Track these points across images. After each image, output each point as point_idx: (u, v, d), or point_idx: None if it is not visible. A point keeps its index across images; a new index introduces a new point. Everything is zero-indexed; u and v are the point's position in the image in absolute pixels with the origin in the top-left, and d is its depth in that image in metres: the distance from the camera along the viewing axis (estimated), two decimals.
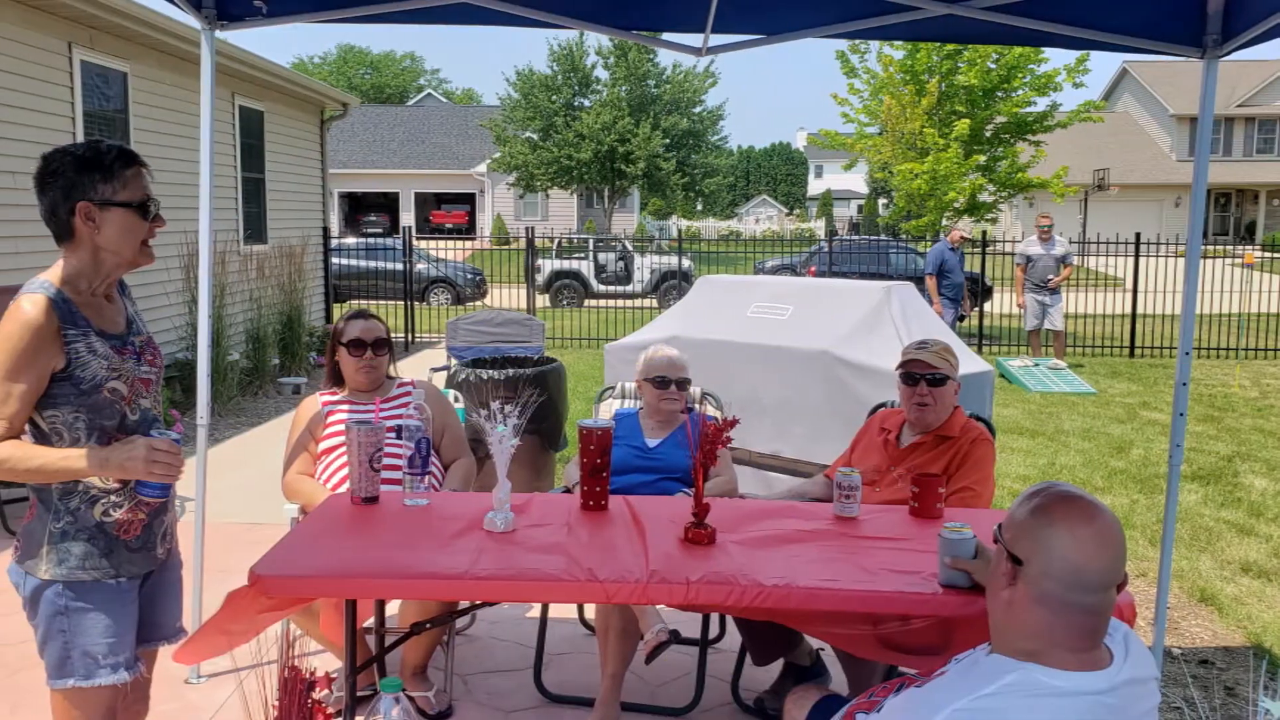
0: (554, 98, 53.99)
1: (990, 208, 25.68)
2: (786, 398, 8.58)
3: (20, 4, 11.38)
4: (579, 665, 6.11)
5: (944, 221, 24.94)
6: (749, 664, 5.67)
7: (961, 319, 19.10)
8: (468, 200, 64.71)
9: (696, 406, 6.64)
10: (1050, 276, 17.71)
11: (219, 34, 6.09)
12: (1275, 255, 44.02)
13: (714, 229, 69.30)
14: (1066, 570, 2.64)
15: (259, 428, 13.00)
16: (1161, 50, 5.88)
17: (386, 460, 5.03)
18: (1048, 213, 19.58)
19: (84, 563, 3.49)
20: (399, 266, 24.51)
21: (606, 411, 6.88)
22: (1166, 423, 13.44)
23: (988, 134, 25.36)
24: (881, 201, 74.91)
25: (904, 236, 28.80)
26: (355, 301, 26.10)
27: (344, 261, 26.92)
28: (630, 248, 33.03)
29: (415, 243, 24.27)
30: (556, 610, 6.25)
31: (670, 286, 29.88)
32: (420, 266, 29.14)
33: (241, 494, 9.59)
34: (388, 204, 64.89)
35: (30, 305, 3.35)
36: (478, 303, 30.30)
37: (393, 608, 5.85)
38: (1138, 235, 21.23)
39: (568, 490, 5.90)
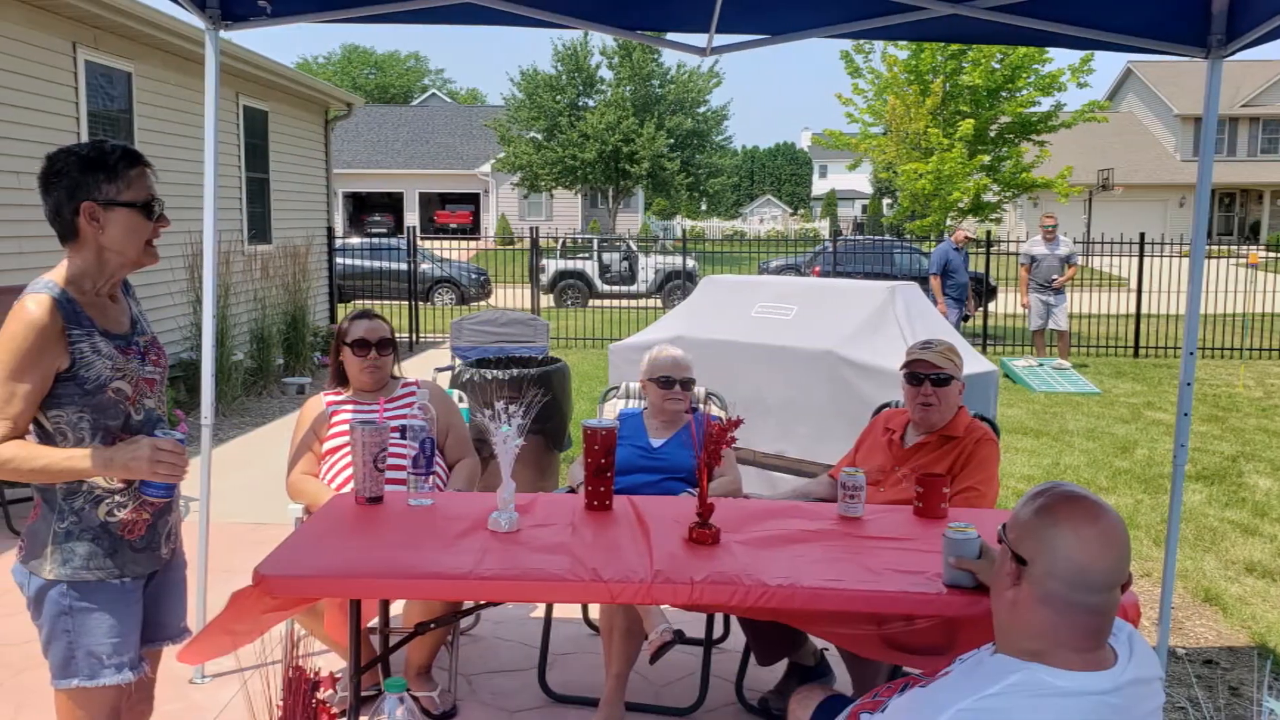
0: (558, 98, 53.98)
1: (994, 208, 25.68)
2: (791, 398, 8.58)
3: (25, 4, 11.39)
4: (583, 665, 6.11)
5: (948, 221, 24.95)
6: (753, 664, 5.66)
7: (966, 319, 19.09)
8: (472, 200, 64.75)
9: (701, 406, 6.64)
10: (1055, 276, 17.69)
11: (223, 34, 6.09)
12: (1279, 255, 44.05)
13: (718, 229, 69.35)
14: (1071, 570, 2.63)
15: (263, 428, 13.00)
16: (1166, 50, 5.88)
17: (391, 460, 5.04)
18: (1052, 213, 19.55)
19: (88, 563, 3.49)
20: (403, 266, 24.49)
21: (611, 411, 6.88)
22: (1171, 423, 13.43)
23: (992, 134, 25.38)
24: (886, 201, 74.93)
25: (908, 236, 28.79)
26: (360, 301, 26.11)
27: (348, 261, 26.94)
28: (634, 248, 33.01)
29: (420, 243, 24.27)
30: (561, 610, 6.25)
31: (675, 286, 29.85)
32: (425, 266, 29.15)
33: (246, 494, 9.59)
34: (392, 204, 64.92)
35: (35, 305, 3.35)
36: (482, 303, 30.29)
37: (397, 608, 5.85)
38: (1142, 235, 21.23)
39: (572, 490, 5.89)
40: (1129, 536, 2.73)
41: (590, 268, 32.19)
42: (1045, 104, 25.42)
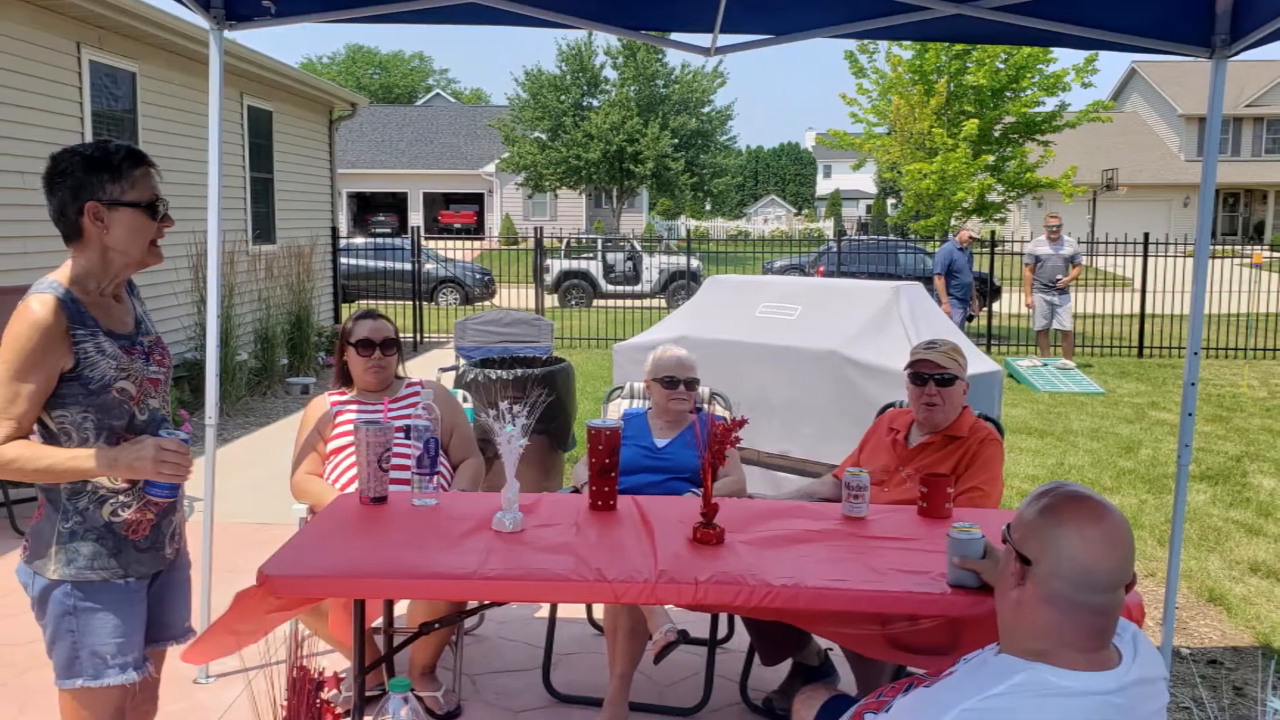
0: (562, 98, 54.02)
1: (999, 208, 25.68)
2: (795, 398, 8.58)
3: (29, 4, 11.40)
4: (587, 665, 6.11)
5: (952, 221, 24.95)
6: (757, 664, 5.67)
7: (970, 319, 19.07)
8: (476, 200, 64.76)
9: (705, 406, 6.63)
10: (1059, 276, 17.69)
11: (227, 34, 6.10)
12: None
13: (722, 229, 69.35)
14: (1075, 570, 2.64)
15: (267, 428, 13.01)
16: (1170, 50, 5.88)
17: (395, 460, 5.04)
18: (1056, 213, 19.53)
19: (92, 562, 3.49)
20: (407, 266, 24.50)
21: (615, 411, 6.88)
22: (1175, 423, 13.43)
23: (996, 134, 25.37)
24: (890, 201, 74.82)
25: (912, 236, 28.80)
26: (364, 301, 26.15)
27: (352, 261, 26.94)
28: (639, 248, 33.02)
29: (424, 243, 24.28)
30: (565, 610, 6.25)
31: (679, 286, 29.84)
32: (429, 266, 29.18)
33: (250, 494, 9.60)
34: (396, 204, 64.92)
35: (39, 305, 3.35)
36: (486, 303, 30.34)
37: (401, 608, 5.85)
38: (1146, 235, 21.22)
39: (576, 490, 5.90)
40: (1133, 536, 2.73)
41: (594, 268, 32.21)
42: (1049, 104, 25.44)
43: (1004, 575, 2.82)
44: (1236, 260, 31.32)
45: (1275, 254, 43.92)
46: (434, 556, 4.05)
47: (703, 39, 6.43)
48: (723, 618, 6.09)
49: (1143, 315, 20.92)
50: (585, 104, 54.86)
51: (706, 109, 56.00)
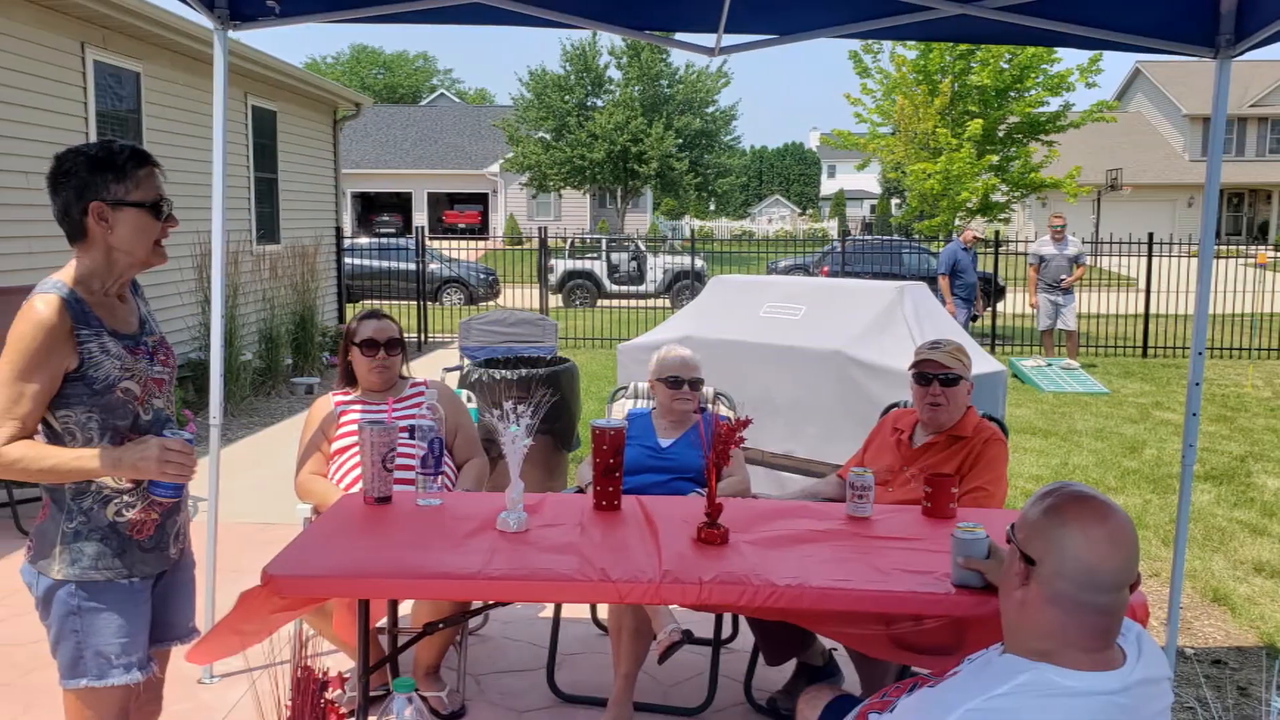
0: (567, 98, 54.04)
1: (1003, 208, 25.65)
2: (799, 398, 8.58)
3: (33, 4, 11.41)
4: (592, 665, 6.11)
5: (957, 221, 24.91)
6: (762, 664, 5.66)
7: (974, 319, 19.07)
8: (480, 200, 64.78)
9: (709, 406, 6.63)
10: (1063, 276, 17.67)
11: (232, 34, 6.10)
12: None
13: (727, 229, 69.34)
14: (1079, 570, 2.63)
15: (272, 428, 13.02)
16: (1174, 50, 5.87)
17: (399, 460, 5.04)
18: (1060, 213, 19.54)
19: (97, 563, 3.50)
20: (412, 266, 24.49)
21: (619, 411, 6.88)
22: (1179, 423, 13.42)
23: (1000, 134, 25.33)
24: (894, 201, 74.85)
25: (917, 236, 28.78)
26: (368, 301, 26.13)
27: (357, 261, 26.94)
28: (643, 248, 33.03)
29: (428, 243, 24.31)
30: (569, 610, 6.25)
31: (683, 286, 29.86)
32: (433, 266, 29.18)
33: (254, 494, 9.60)
34: (400, 204, 64.96)
35: (43, 305, 3.35)
36: (490, 303, 30.33)
37: (405, 608, 5.86)
38: (1150, 235, 21.21)
39: (580, 490, 5.90)
40: (1137, 536, 2.73)
41: (599, 268, 32.21)
42: (1054, 104, 25.38)
43: (1008, 575, 2.82)
44: (1241, 260, 31.30)
45: (1279, 254, 43.90)
46: (438, 556, 4.05)
47: (707, 39, 6.44)
48: (727, 618, 6.09)
49: (1147, 315, 20.91)
50: (589, 104, 54.89)
51: (711, 109, 56.05)
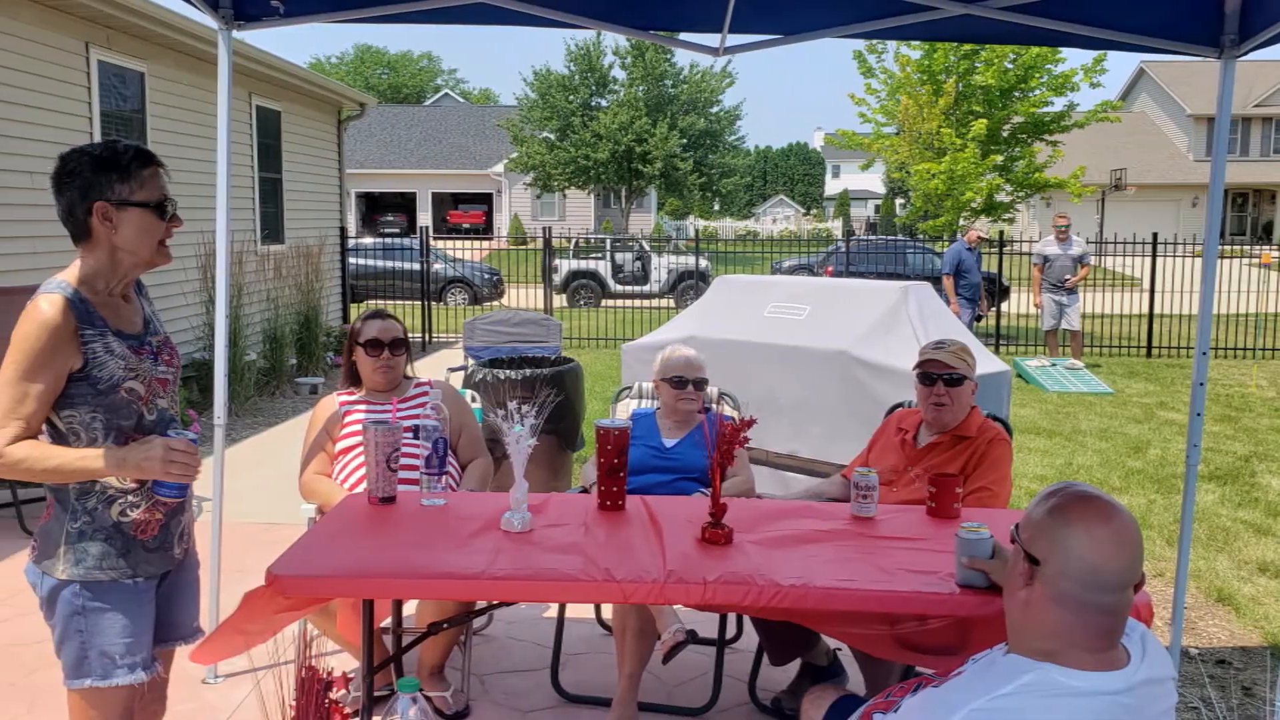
0: (571, 98, 54.01)
1: (1007, 208, 25.64)
2: (804, 398, 8.58)
3: (38, 4, 11.42)
4: (596, 665, 6.11)
5: (961, 221, 24.92)
6: (766, 664, 5.66)
7: (979, 319, 19.08)
8: (485, 200, 64.78)
9: (714, 406, 6.63)
10: (1067, 276, 17.68)
11: (236, 34, 6.10)
12: None
13: (731, 229, 69.34)
14: (1084, 570, 2.63)
15: (276, 428, 13.02)
16: (1179, 50, 5.87)
17: (404, 460, 5.04)
18: (1065, 213, 19.55)
19: (101, 562, 3.50)
20: (416, 266, 24.49)
21: (624, 411, 6.88)
22: (1183, 423, 13.41)
23: (1005, 134, 25.33)
24: (899, 201, 74.85)
25: (921, 236, 28.77)
26: (372, 301, 26.13)
27: (361, 261, 26.96)
28: (647, 248, 33.02)
29: (432, 243, 24.29)
30: (574, 610, 6.26)
31: (687, 286, 29.86)
32: (437, 266, 29.17)
33: (259, 494, 9.61)
34: (405, 204, 64.95)
35: (48, 305, 3.36)
36: (495, 303, 30.33)
37: (410, 608, 5.86)
38: (1155, 235, 21.20)
39: (585, 490, 5.90)
40: (1142, 536, 2.73)
41: (603, 268, 32.22)
42: (1058, 104, 25.40)
43: (1012, 575, 2.82)
44: (1245, 260, 31.31)
45: None
46: (442, 556, 4.06)
47: (711, 39, 6.43)
48: (731, 618, 6.09)
49: (1151, 315, 20.90)
50: (594, 104, 54.86)
51: (715, 109, 56.00)
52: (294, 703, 4.38)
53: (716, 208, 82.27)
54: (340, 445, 5.68)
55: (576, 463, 9.19)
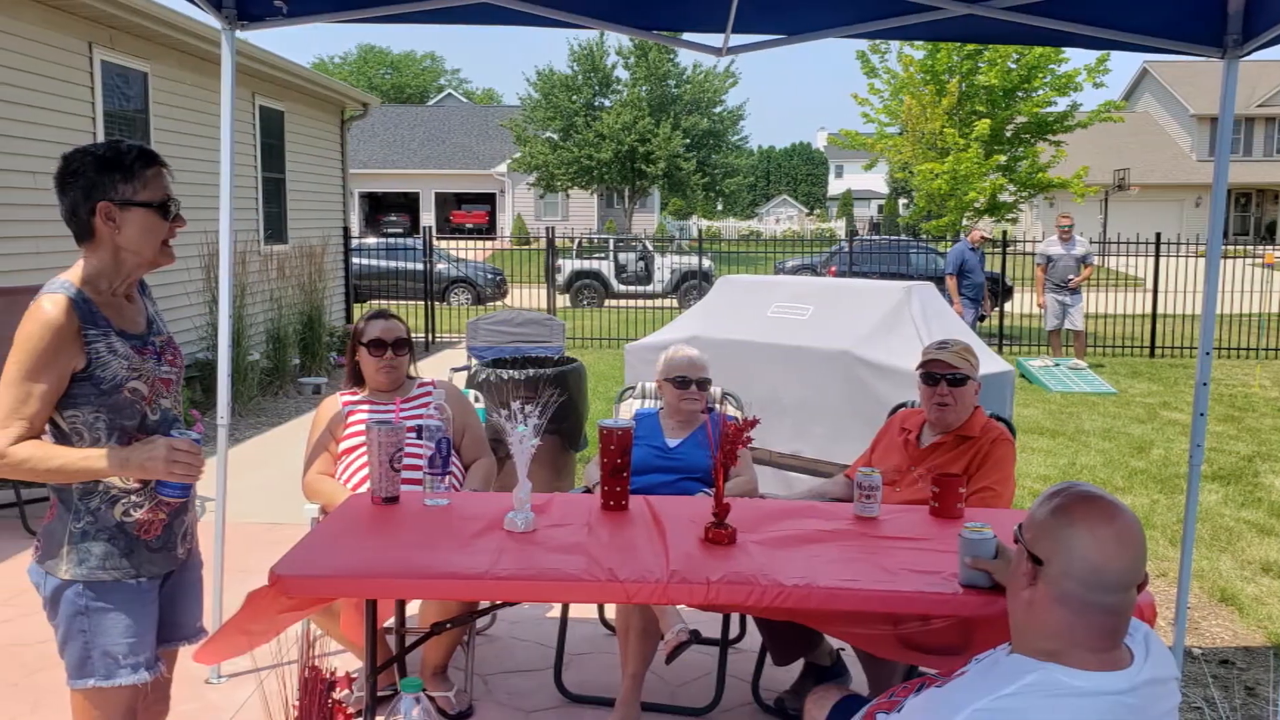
0: (574, 98, 53.99)
1: (1011, 208, 25.64)
2: (807, 398, 8.58)
3: (41, 4, 11.43)
4: (599, 665, 6.11)
5: (964, 221, 24.91)
6: (769, 664, 5.66)
7: (982, 319, 19.07)
8: (488, 200, 64.81)
9: (717, 406, 6.63)
10: (1071, 276, 17.67)
11: (239, 34, 6.10)
12: None
13: (734, 229, 69.35)
14: (1087, 570, 2.63)
15: (279, 428, 13.03)
16: (1182, 50, 5.87)
17: (407, 460, 5.04)
18: (1068, 213, 19.53)
19: (104, 563, 3.50)
20: (419, 266, 24.50)
21: (627, 411, 6.88)
22: (1187, 423, 13.40)
23: (1008, 134, 25.32)
24: (902, 201, 74.82)
25: (924, 236, 28.77)
26: (376, 301, 26.14)
27: (364, 261, 26.96)
28: (650, 248, 33.04)
29: (435, 243, 24.29)
30: (577, 610, 6.25)
31: (690, 286, 29.83)
32: (440, 266, 29.18)
33: (262, 494, 9.61)
34: (408, 204, 64.97)
35: (51, 305, 3.36)
36: (498, 303, 30.32)
37: (413, 608, 5.85)
38: (1158, 235, 21.20)
39: (588, 490, 5.89)
40: (1145, 536, 2.73)
41: (606, 268, 32.21)
42: (1061, 104, 25.38)
43: (1016, 575, 2.82)
44: (1248, 260, 31.31)
45: None
46: (446, 556, 4.06)
47: (714, 39, 6.44)
48: (734, 618, 6.09)
49: (1154, 315, 20.90)
50: (597, 104, 54.84)
51: (718, 109, 55.98)
52: (297, 703, 4.38)
53: (720, 208, 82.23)
54: (343, 445, 5.68)
55: (580, 463, 9.20)
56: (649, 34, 6.72)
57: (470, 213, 64.31)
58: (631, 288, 31.57)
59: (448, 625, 4.98)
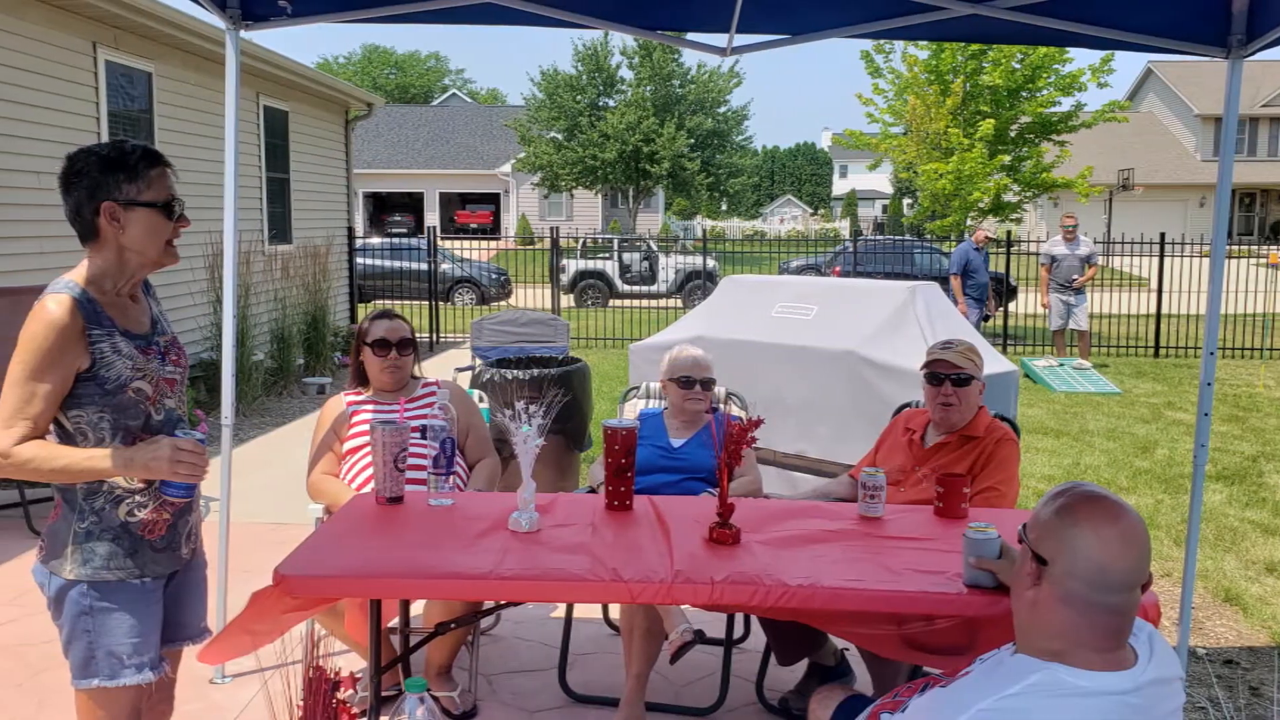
0: (579, 98, 54.03)
1: (1015, 208, 25.64)
2: (811, 398, 8.58)
3: (45, 4, 11.44)
4: (604, 665, 6.11)
5: (969, 221, 24.92)
6: (774, 664, 5.67)
7: (986, 319, 19.06)
8: (492, 200, 64.80)
9: (721, 406, 6.63)
10: (1075, 276, 17.66)
11: (244, 34, 6.10)
12: None
13: (739, 229, 69.34)
14: (1091, 570, 2.63)
15: (283, 428, 13.03)
16: (1186, 50, 5.87)
17: (411, 460, 5.04)
18: (1072, 213, 19.51)
19: (108, 563, 3.50)
20: (424, 266, 24.53)
21: (631, 411, 6.88)
22: (1191, 423, 13.40)
23: (1012, 134, 25.33)
24: (906, 201, 74.73)
25: (928, 236, 28.79)
26: (380, 301, 26.17)
27: (369, 261, 26.97)
28: (655, 248, 33.04)
29: (440, 243, 24.30)
30: (581, 610, 6.26)
31: (695, 286, 29.82)
32: (445, 266, 29.22)
33: (266, 494, 9.61)
34: (412, 204, 64.98)
35: (55, 305, 3.36)
36: (502, 303, 30.37)
37: (417, 608, 5.85)
38: (1162, 235, 21.19)
39: (592, 490, 5.90)
40: (1149, 536, 2.73)
41: (610, 268, 32.22)
42: (1065, 104, 25.38)
43: (1020, 575, 2.82)
44: (1253, 260, 31.28)
45: None
46: (450, 556, 4.05)
47: (719, 39, 6.44)
48: (739, 618, 6.09)
49: (1159, 315, 20.88)
50: (601, 104, 54.88)
51: (722, 109, 56.01)
52: (301, 703, 4.38)
53: (724, 208, 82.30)
54: (348, 445, 5.68)
55: (584, 463, 9.20)
56: (653, 34, 6.72)
57: (475, 213, 64.31)
58: (636, 288, 31.58)
59: (452, 625, 4.98)
